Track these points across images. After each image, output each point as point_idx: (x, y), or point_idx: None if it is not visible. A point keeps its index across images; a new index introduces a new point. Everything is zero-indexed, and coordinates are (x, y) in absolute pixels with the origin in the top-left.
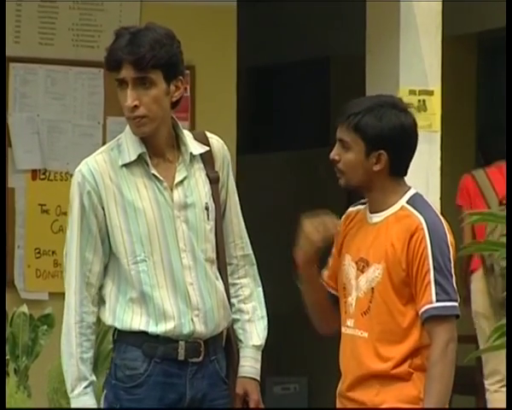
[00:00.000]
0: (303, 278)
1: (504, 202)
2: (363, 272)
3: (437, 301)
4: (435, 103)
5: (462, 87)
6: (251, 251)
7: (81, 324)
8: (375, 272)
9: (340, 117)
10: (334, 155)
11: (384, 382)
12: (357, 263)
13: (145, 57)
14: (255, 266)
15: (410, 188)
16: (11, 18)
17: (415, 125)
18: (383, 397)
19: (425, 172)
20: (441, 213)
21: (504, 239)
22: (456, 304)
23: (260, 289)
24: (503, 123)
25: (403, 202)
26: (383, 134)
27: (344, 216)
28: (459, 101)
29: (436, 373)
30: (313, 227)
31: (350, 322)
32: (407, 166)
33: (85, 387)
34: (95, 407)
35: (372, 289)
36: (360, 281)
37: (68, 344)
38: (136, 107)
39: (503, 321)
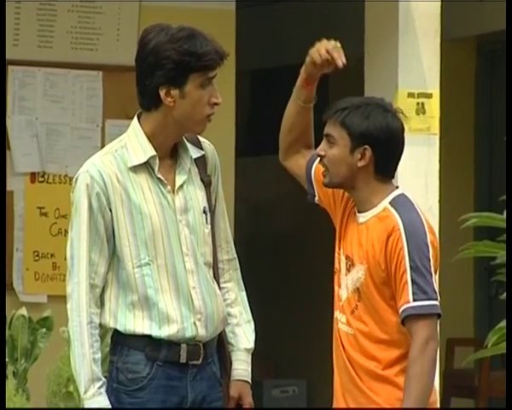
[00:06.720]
0: (298, 94)
1: None
2: (349, 271)
3: (414, 300)
4: (434, 106)
5: (461, 90)
6: (235, 255)
7: (90, 324)
8: (358, 272)
9: (328, 113)
10: (320, 150)
11: (371, 379)
12: (346, 258)
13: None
14: (239, 271)
15: (396, 189)
16: (10, 21)
17: (402, 129)
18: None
19: (424, 174)
20: (440, 217)
21: (504, 241)
22: (435, 303)
23: (244, 293)
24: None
25: (386, 202)
26: (369, 131)
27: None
28: (458, 104)
29: (415, 371)
30: (321, 48)
31: (342, 317)
32: (394, 169)
33: (99, 387)
34: (109, 407)
35: (357, 289)
36: (348, 280)
37: (81, 345)
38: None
39: (503, 323)
